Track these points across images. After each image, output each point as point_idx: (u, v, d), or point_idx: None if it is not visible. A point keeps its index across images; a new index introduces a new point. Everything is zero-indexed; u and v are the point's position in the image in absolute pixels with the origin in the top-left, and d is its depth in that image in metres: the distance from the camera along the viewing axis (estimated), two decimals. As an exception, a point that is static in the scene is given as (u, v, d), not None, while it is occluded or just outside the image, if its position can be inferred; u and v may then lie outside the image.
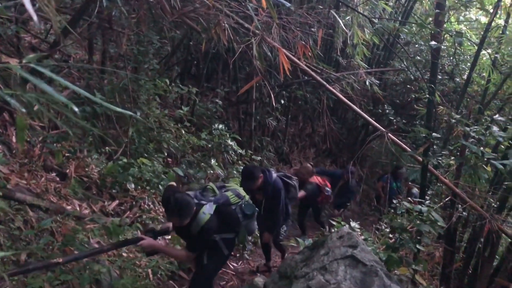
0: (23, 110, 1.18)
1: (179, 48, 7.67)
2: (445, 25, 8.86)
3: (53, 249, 3.41)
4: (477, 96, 8.34)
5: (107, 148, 5.44)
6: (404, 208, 3.93)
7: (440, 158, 4.55)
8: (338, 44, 7.61)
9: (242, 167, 6.94)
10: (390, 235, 4.56)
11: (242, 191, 3.84)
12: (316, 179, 6.71)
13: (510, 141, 4.63)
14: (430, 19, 8.65)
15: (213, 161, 6.56)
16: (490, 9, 7.59)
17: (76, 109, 1.08)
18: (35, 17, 1.14)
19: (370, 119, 4.88)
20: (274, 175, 4.74)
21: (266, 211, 4.62)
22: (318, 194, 6.73)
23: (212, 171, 6.52)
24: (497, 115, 3.82)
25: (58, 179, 4.71)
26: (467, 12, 9.98)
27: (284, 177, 4.99)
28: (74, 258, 2.81)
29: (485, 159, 3.81)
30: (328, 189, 6.77)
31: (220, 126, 7.06)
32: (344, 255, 2.62)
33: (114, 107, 1.21)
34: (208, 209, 3.36)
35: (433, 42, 3.77)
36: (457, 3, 5.33)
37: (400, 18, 8.85)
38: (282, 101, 9.11)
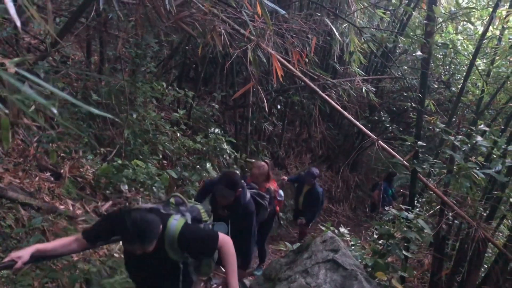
0: (6, 111, 1.23)
1: (177, 51, 7.74)
2: (443, 35, 8.99)
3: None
4: (472, 105, 8.41)
5: (102, 149, 5.49)
6: (392, 215, 3.98)
7: (429, 166, 4.59)
8: (335, 51, 7.71)
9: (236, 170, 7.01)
10: (380, 241, 4.62)
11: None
12: (270, 184, 5.07)
13: (502, 150, 4.69)
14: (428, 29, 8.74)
15: (208, 165, 6.61)
16: (486, 19, 7.67)
17: (55, 111, 1.13)
18: (18, 23, 1.20)
19: (361, 127, 4.93)
20: (248, 194, 3.89)
21: (232, 237, 3.71)
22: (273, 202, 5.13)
23: (207, 174, 6.57)
24: (482, 125, 3.88)
25: (52, 178, 4.76)
26: (465, 22, 10.08)
27: (257, 196, 4.14)
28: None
29: (476, 168, 3.88)
30: (281, 193, 5.30)
31: (216, 130, 7.13)
32: (326, 259, 2.67)
33: (98, 111, 1.27)
34: (179, 217, 2.67)
35: (419, 53, 3.84)
36: (445, 14, 5.39)
37: (397, 27, 8.94)
38: (279, 106, 9.18)
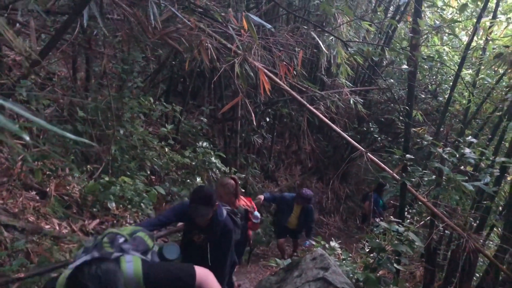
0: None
1: (164, 66, 7.71)
2: (429, 46, 9.09)
3: (27, 271, 3.37)
4: (459, 115, 8.47)
5: (88, 166, 5.42)
6: (382, 228, 3.96)
7: (418, 177, 4.60)
8: (322, 63, 7.74)
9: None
10: (371, 255, 4.59)
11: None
12: (242, 201, 4.56)
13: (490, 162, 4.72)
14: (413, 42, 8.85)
15: (198, 179, 6.56)
16: (471, 29, 7.77)
17: (27, 138, 1.09)
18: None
19: (350, 139, 4.93)
20: (225, 211, 3.41)
21: (211, 261, 3.23)
22: (246, 222, 4.59)
23: (196, 189, 6.49)
24: (469, 136, 3.90)
25: (37, 197, 4.68)
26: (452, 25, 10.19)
27: (231, 213, 3.57)
28: (37, 273, 2.75)
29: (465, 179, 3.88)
30: (257, 214, 4.62)
31: (205, 143, 7.08)
32: (316, 277, 2.63)
33: (74, 136, 1.23)
34: (130, 257, 2.20)
35: (405, 66, 3.86)
36: (429, 27, 5.45)
37: (383, 39, 9.02)
38: (268, 119, 9.17)
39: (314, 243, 6.11)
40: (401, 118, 4.12)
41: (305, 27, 7.28)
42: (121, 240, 2.29)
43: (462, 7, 4.25)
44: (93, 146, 5.75)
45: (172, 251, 2.57)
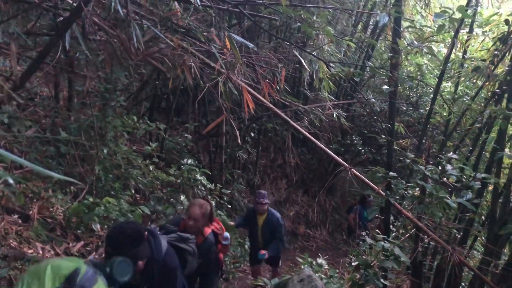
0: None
1: (147, 83, 7.71)
2: (409, 58, 9.25)
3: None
4: (441, 126, 8.62)
5: (72, 187, 5.36)
6: (368, 244, 3.99)
7: (404, 191, 4.66)
8: (305, 78, 7.82)
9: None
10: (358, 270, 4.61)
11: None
12: (211, 226, 4.00)
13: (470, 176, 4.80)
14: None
15: (182, 197, 6.52)
16: (449, 42, 7.94)
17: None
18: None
19: (334, 155, 4.97)
20: (164, 242, 2.87)
21: None
22: (214, 247, 4.05)
23: (182, 207, 6.47)
24: (451, 153, 3.98)
25: (20, 221, 4.60)
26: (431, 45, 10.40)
27: (177, 241, 3.14)
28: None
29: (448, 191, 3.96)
30: (227, 235, 4.20)
31: (189, 160, 7.06)
32: (303, 299, 2.64)
33: (49, 172, 1.22)
34: None
35: (385, 87, 3.94)
36: (408, 47, 5.59)
37: (364, 53, 9.16)
38: (252, 134, 9.20)
39: (266, 256, 5.40)
40: (383, 136, 4.19)
41: (287, 42, 7.36)
42: None
43: (440, 28, 4.37)
44: (76, 166, 5.69)
45: (125, 272, 2.22)
